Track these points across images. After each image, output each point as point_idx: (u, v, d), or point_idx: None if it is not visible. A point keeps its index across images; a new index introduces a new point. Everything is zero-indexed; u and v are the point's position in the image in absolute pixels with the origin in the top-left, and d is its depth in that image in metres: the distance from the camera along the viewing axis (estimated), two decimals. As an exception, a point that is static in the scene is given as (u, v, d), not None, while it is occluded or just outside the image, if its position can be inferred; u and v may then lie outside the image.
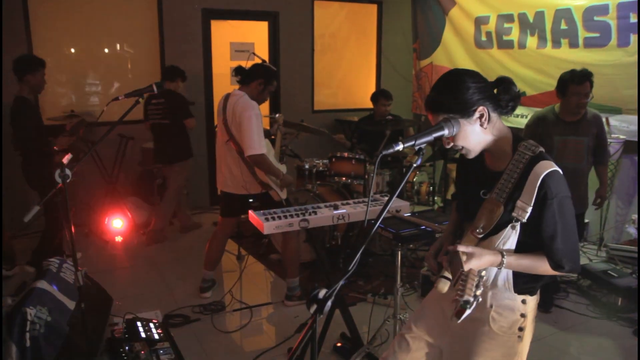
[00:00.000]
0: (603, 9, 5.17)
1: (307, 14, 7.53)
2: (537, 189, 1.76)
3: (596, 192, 4.37)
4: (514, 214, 1.80)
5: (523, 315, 1.92)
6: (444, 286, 1.91)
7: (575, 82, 3.93)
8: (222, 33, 7.54)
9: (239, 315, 4.23)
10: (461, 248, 1.77)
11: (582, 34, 5.42)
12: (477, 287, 1.75)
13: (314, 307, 1.65)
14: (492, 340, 1.93)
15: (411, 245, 5.41)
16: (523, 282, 1.90)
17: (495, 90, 1.88)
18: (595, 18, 5.26)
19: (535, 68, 5.94)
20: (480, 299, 1.77)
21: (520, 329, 1.92)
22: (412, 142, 1.70)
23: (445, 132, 1.76)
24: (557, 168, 1.79)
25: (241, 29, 7.97)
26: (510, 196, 1.81)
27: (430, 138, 1.74)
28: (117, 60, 6.59)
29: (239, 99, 4.05)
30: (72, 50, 6.27)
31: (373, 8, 8.13)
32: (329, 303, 1.64)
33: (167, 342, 3.37)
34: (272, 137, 4.77)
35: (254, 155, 3.93)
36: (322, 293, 1.66)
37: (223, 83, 7.24)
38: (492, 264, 1.80)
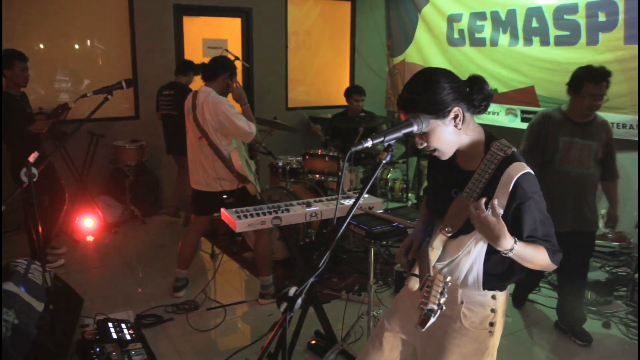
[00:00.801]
0: (572, 8, 5.24)
1: (281, 11, 7.50)
2: (510, 191, 1.76)
3: (607, 213, 4.00)
4: None
5: (493, 311, 1.93)
6: (415, 284, 1.92)
7: (593, 80, 3.43)
8: (195, 29, 7.47)
9: (212, 315, 4.19)
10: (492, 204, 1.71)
11: (552, 32, 5.49)
12: (442, 294, 1.74)
13: (284, 305, 1.64)
14: (463, 336, 1.94)
15: (384, 242, 5.43)
16: (494, 281, 1.91)
17: (468, 89, 1.85)
18: (565, 17, 5.33)
19: (507, 65, 6.00)
20: (444, 308, 1.75)
21: (491, 324, 1.93)
22: (382, 139, 1.70)
23: (415, 128, 1.76)
24: (529, 170, 1.78)
25: (214, 26, 7.89)
26: (481, 196, 1.78)
27: (399, 134, 1.73)
28: (88, 56, 6.48)
29: (207, 96, 4.03)
30: (41, 46, 6.15)
31: (347, 5, 8.13)
32: (299, 301, 1.63)
33: (139, 343, 3.32)
34: None
35: (255, 138, 4.04)
36: (292, 291, 1.65)
37: (195, 80, 7.17)
38: (502, 245, 1.71)
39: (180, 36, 6.90)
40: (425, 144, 1.85)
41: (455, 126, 1.81)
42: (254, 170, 4.32)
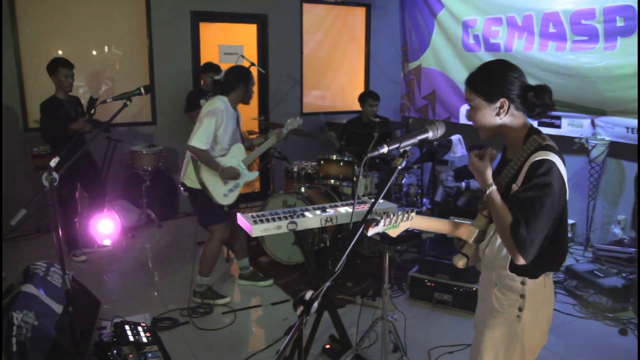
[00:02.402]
0: (590, 14, 5.22)
1: (296, 17, 7.54)
2: (525, 172, 1.89)
3: None
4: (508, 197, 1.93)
5: (522, 297, 2.01)
6: (459, 260, 2.10)
7: None
8: (211, 35, 7.54)
9: (227, 318, 4.22)
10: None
11: (570, 37, 5.47)
12: (395, 219, 1.97)
13: (300, 309, 1.66)
14: (494, 318, 2.07)
15: (399, 247, 5.43)
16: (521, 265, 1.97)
17: (531, 93, 1.97)
18: (583, 22, 5.31)
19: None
20: (386, 221, 1.94)
21: (520, 309, 2.01)
22: (397, 145, 1.73)
23: (430, 134, 1.79)
24: (551, 158, 1.86)
25: (230, 32, 7.96)
26: (510, 181, 1.96)
27: (415, 140, 1.76)
28: (106, 62, 6.57)
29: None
30: (60, 52, 6.24)
31: (362, 11, 8.16)
32: (316, 304, 1.66)
33: (156, 346, 3.36)
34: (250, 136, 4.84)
35: (190, 145, 4.10)
36: (308, 295, 1.67)
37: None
38: (483, 180, 1.96)
39: (197, 42, 6.97)
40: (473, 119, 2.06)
41: (497, 115, 1.98)
42: (231, 187, 4.37)
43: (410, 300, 4.47)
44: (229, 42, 7.47)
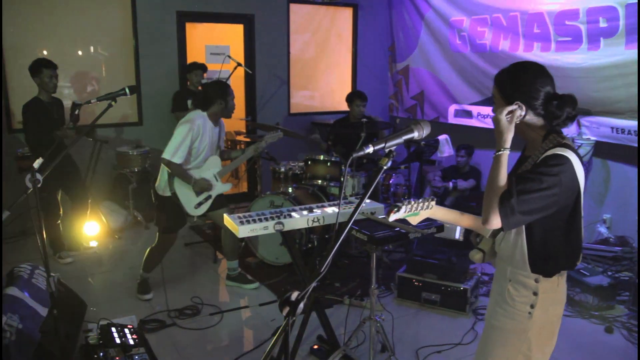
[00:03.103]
0: (573, 14, 5.26)
1: (283, 17, 7.53)
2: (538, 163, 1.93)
3: None
4: None
5: (535, 294, 2.03)
6: (475, 255, 2.16)
7: None
8: (198, 36, 7.51)
9: (215, 320, 4.20)
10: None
11: (554, 37, 5.51)
12: (417, 206, 2.02)
13: (286, 310, 1.65)
14: (505, 312, 2.09)
15: (386, 247, 5.44)
16: (537, 263, 2.01)
17: (555, 102, 1.97)
18: (567, 22, 5.35)
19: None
20: (407, 208, 2.00)
21: (532, 306, 2.03)
22: (383, 145, 1.73)
23: (415, 134, 1.79)
24: (564, 154, 1.89)
25: (216, 32, 7.94)
26: None
27: (400, 140, 1.76)
28: (91, 63, 6.52)
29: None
30: (45, 52, 6.18)
31: (349, 11, 8.17)
32: (302, 305, 1.65)
33: (143, 348, 3.33)
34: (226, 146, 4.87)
35: (164, 158, 4.16)
36: (294, 295, 1.66)
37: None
38: (503, 140, 1.95)
39: (183, 42, 6.93)
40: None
41: (509, 113, 1.96)
42: (202, 199, 4.40)
43: (398, 300, 4.48)
44: (216, 43, 7.45)
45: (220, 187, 4.48)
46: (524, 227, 2.00)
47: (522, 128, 2.02)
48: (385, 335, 3.41)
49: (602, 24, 5.03)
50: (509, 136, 1.95)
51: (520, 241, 2.02)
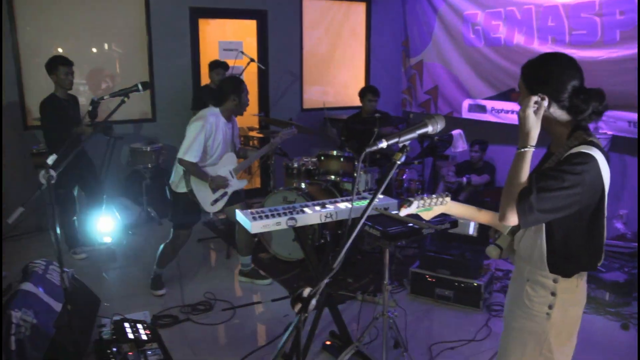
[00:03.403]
0: (589, 7, 5.19)
1: (296, 12, 7.51)
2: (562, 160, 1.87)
3: None
4: None
5: (553, 294, 1.98)
6: (492, 251, 2.12)
7: None
8: (211, 32, 7.50)
9: (227, 315, 4.21)
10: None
11: (569, 30, 5.44)
12: (430, 201, 1.97)
13: (298, 306, 1.64)
14: (523, 313, 2.04)
15: (400, 243, 5.41)
16: (556, 262, 1.96)
17: (581, 95, 1.90)
18: (582, 15, 5.28)
19: (522, 65, 5.95)
20: (420, 203, 1.95)
21: (550, 307, 1.98)
22: (396, 140, 1.70)
23: (429, 128, 1.77)
24: (592, 153, 1.83)
25: (230, 28, 7.93)
26: None
27: (414, 135, 1.74)
28: (105, 59, 6.55)
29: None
30: (60, 49, 6.22)
31: (362, 6, 8.12)
32: (314, 302, 1.64)
33: (155, 343, 3.34)
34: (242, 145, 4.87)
35: (179, 158, 4.17)
36: (306, 292, 1.65)
37: (211, 82, 7.21)
38: (529, 138, 1.86)
39: (196, 38, 6.94)
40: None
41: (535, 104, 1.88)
42: (218, 196, 4.40)
43: (411, 296, 4.46)
44: (229, 38, 7.44)
45: (236, 184, 4.49)
46: (543, 225, 1.94)
47: (547, 122, 1.94)
48: (398, 331, 3.39)
49: (619, 16, 4.96)
50: (535, 133, 1.87)
51: (539, 240, 1.97)
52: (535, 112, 1.87)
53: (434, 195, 1.96)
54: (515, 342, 2.09)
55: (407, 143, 1.73)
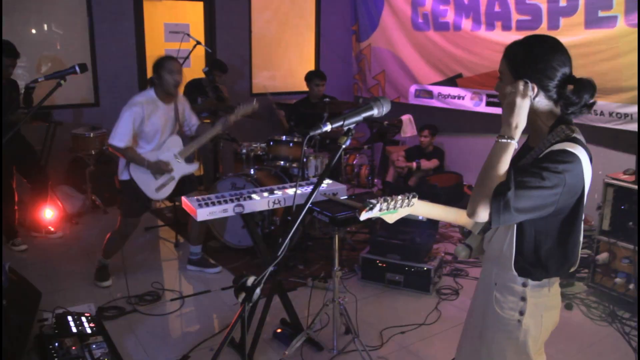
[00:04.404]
0: (534, -8, 5.28)
1: (244, -5, 7.36)
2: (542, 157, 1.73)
3: None
4: None
5: (523, 299, 1.86)
6: (462, 251, 2.01)
7: None
8: (156, 14, 7.27)
9: (176, 305, 4.12)
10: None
11: (514, 16, 5.52)
12: (394, 203, 1.77)
13: (242, 296, 1.59)
14: (496, 321, 1.92)
15: (349, 229, 5.42)
16: (523, 264, 1.84)
17: (572, 86, 1.74)
18: (527, 1, 5.36)
19: (470, 50, 6.02)
20: (382, 206, 1.75)
21: (521, 313, 1.86)
22: (341, 122, 1.66)
23: (375, 111, 1.72)
24: (574, 151, 1.69)
25: (175, 10, 7.71)
26: None
27: (359, 118, 1.70)
28: (46, 41, 6.25)
29: None
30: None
31: (311, -11, 8.03)
32: (258, 291, 1.59)
33: (101, 336, 3.24)
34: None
35: (109, 143, 4.08)
36: (250, 280, 1.60)
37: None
38: (506, 126, 1.70)
39: (141, 20, 6.71)
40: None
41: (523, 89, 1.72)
42: (163, 181, 4.28)
43: (362, 281, 4.47)
44: (175, 21, 7.24)
45: (184, 168, 4.34)
46: (515, 225, 1.80)
47: (528, 113, 1.74)
48: (348, 317, 3.39)
49: (562, 2, 5.05)
50: (522, 125, 1.69)
51: (508, 240, 1.83)
52: (523, 97, 1.70)
53: (399, 197, 1.78)
54: (493, 354, 1.95)
55: (352, 126, 1.69)
